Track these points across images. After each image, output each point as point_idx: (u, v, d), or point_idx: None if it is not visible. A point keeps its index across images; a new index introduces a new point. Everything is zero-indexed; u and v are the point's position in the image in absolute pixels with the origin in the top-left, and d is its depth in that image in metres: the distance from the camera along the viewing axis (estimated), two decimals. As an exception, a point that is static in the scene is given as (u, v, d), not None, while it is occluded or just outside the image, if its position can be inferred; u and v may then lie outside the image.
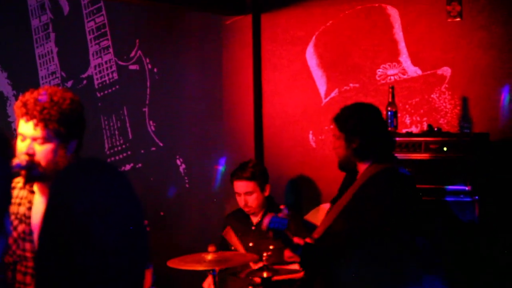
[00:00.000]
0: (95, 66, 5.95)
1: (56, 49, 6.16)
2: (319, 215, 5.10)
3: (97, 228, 1.56)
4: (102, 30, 5.89)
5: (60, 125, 2.51)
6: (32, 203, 2.67)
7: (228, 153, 5.37)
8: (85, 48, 5.99)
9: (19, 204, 2.68)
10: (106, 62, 5.91)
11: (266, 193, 4.67)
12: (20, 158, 2.49)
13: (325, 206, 5.08)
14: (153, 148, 5.71)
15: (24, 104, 2.51)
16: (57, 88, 2.58)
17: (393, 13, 4.76)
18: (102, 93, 5.91)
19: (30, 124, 2.50)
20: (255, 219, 4.70)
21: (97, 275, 1.53)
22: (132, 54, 5.76)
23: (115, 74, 5.88)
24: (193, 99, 5.55)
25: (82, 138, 2.63)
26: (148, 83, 5.72)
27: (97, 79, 5.94)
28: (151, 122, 5.72)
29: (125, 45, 5.80)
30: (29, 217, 2.65)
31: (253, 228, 4.68)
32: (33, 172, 2.52)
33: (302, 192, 5.17)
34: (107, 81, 5.90)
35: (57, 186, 1.82)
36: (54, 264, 1.56)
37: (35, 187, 2.67)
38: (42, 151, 2.51)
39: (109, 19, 5.87)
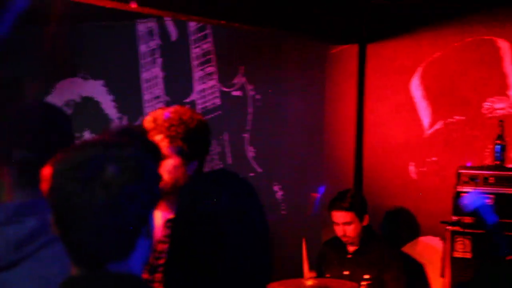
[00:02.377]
0: (198, 92, 6.08)
1: (162, 74, 6.32)
2: (417, 248, 5.01)
3: (228, 231, 1.60)
4: (208, 57, 6.02)
5: (184, 144, 2.58)
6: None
7: (327, 182, 5.35)
8: (189, 73, 6.12)
9: None
10: (209, 88, 6.02)
11: (364, 223, 4.62)
12: None
13: (424, 239, 4.99)
14: (252, 174, 5.76)
15: (154, 119, 2.61)
16: (187, 109, 2.68)
17: (504, 46, 4.68)
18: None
19: (157, 138, 2.58)
20: (351, 248, 4.66)
21: (227, 275, 1.56)
22: (236, 80, 5.85)
23: (217, 100, 5.98)
24: (294, 126, 5.57)
25: (204, 159, 2.69)
26: (249, 109, 5.79)
27: (199, 104, 6.06)
28: (250, 148, 5.78)
29: (229, 72, 5.90)
30: None
31: (349, 256, 4.64)
32: None
33: (401, 223, 5.10)
34: (210, 106, 6.00)
35: (185, 194, 1.87)
36: (183, 272, 1.61)
37: None
38: (164, 165, 2.58)
39: (215, 46, 5.99)
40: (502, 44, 4.68)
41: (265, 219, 1.71)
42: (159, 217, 2.68)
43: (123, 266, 1.54)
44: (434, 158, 4.95)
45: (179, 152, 2.60)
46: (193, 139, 2.60)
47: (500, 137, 4.30)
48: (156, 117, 2.62)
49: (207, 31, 6.01)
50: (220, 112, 5.98)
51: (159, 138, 2.57)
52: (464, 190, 4.21)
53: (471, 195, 3.32)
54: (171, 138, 2.58)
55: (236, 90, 5.87)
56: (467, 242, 4.15)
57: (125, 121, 6.31)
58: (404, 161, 5.08)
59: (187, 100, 6.13)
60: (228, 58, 5.92)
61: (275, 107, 5.69)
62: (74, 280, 1.54)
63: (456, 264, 4.19)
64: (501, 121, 4.36)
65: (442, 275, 4.30)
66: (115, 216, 1.49)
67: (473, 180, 4.19)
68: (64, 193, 1.47)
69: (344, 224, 4.57)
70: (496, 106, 4.69)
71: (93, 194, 1.46)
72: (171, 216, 2.54)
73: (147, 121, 2.62)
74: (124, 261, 1.54)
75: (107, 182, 1.47)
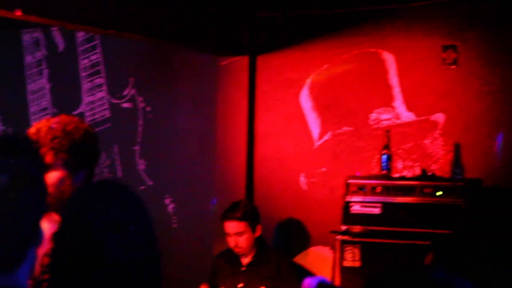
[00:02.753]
0: (87, 103, 5.94)
1: (49, 85, 6.15)
2: (308, 258, 5.06)
3: (111, 244, 1.58)
4: (96, 68, 5.90)
5: (70, 155, 2.50)
6: None
7: (219, 194, 5.34)
8: (78, 84, 5.98)
9: None
10: (98, 100, 5.90)
11: (257, 234, 4.61)
12: None
13: (314, 249, 5.05)
14: (142, 187, 5.67)
15: (37, 131, 2.51)
16: (72, 119, 2.59)
17: (389, 59, 4.81)
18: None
19: (41, 151, 2.49)
20: (245, 260, 4.64)
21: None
22: (125, 92, 5.76)
23: (107, 112, 5.86)
24: (185, 138, 5.54)
25: (92, 170, 2.62)
26: (140, 122, 5.71)
27: (88, 116, 5.92)
28: (141, 161, 5.70)
29: (119, 83, 5.80)
30: None
31: (242, 269, 4.63)
32: None
33: (292, 234, 5.14)
34: (99, 119, 5.89)
35: (71, 205, 1.82)
36: (66, 282, 1.57)
37: None
38: (49, 178, 2.49)
39: (104, 57, 5.88)
40: (387, 56, 4.82)
41: (154, 233, 1.69)
42: (46, 229, 2.58)
43: (10, 278, 1.47)
44: (323, 169, 5.03)
45: (65, 164, 2.51)
46: (78, 150, 2.52)
47: (386, 147, 4.42)
48: (39, 129, 2.53)
49: (96, 42, 5.89)
50: (109, 124, 5.87)
51: (43, 151, 2.48)
52: (353, 199, 4.30)
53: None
54: (55, 150, 2.50)
55: (126, 102, 5.77)
56: (356, 251, 4.23)
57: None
58: (295, 172, 5.13)
59: (76, 112, 5.98)
60: (117, 69, 5.82)
61: (166, 119, 5.63)
62: None
63: (346, 273, 4.26)
64: (387, 131, 4.48)
65: (333, 284, 4.36)
66: (7, 226, 1.44)
67: (361, 189, 4.29)
68: None
69: (236, 235, 4.55)
70: (382, 117, 4.82)
71: None
72: (56, 229, 2.45)
73: (31, 133, 2.53)
74: (12, 273, 1.47)
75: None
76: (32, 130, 2.54)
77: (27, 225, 1.50)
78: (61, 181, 2.52)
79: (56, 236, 1.77)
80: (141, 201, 1.83)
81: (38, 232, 1.54)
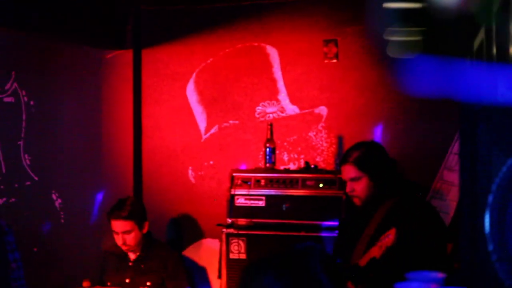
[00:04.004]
0: (-33, 97, 5.73)
1: None
2: (198, 251, 5.09)
3: None
4: (-24, 60, 5.69)
5: None
6: None
7: (106, 189, 5.28)
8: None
9: None
10: (-21, 94, 5.69)
11: (144, 231, 4.59)
12: None
13: (204, 242, 5.09)
14: (28, 182, 5.53)
15: None
16: None
17: (272, 53, 4.88)
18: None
19: None
20: (132, 255, 4.63)
21: None
22: (8, 86, 5.58)
23: (-12, 106, 5.67)
24: (71, 133, 5.44)
25: None
26: (24, 116, 5.55)
27: (-31, 110, 5.71)
28: (26, 156, 5.55)
29: (1, 77, 5.62)
30: None
31: (130, 264, 4.61)
32: None
33: (182, 227, 5.16)
34: (-20, 113, 5.69)
35: None
36: None
37: None
38: None
39: (-17, 50, 5.68)
40: (271, 50, 4.89)
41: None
42: None
43: None
44: (211, 162, 5.06)
45: None
46: None
47: (270, 140, 4.48)
48: None
49: (-26, 34, 5.68)
50: (-9, 119, 5.68)
51: None
52: (238, 192, 4.35)
53: None
54: None
55: (8, 96, 5.60)
56: (242, 243, 4.29)
57: None
58: (183, 165, 5.14)
59: (-45, 107, 5.76)
60: (-2, 62, 5.64)
61: (51, 113, 5.51)
62: None
63: (232, 265, 4.32)
64: (270, 124, 4.54)
65: (219, 277, 4.41)
66: None
67: (245, 182, 4.34)
68: None
69: (124, 233, 4.51)
70: (268, 110, 4.89)
71: None
72: None
73: None
74: None
75: None
76: None
77: None
78: None
79: None
80: None
81: None
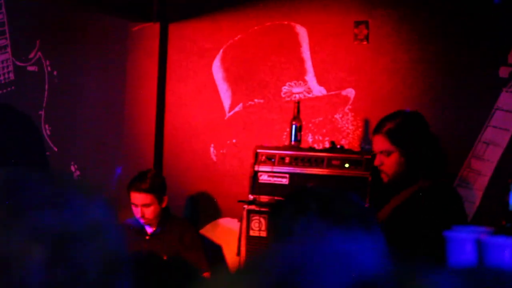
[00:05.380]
0: (-10, 65, 5.71)
1: (-51, 44, 5.88)
2: (215, 230, 5.04)
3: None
4: (1, 29, 5.67)
5: None
6: None
7: (126, 163, 5.23)
8: (-20, 45, 5.74)
9: None
10: (2, 62, 5.67)
11: (163, 205, 4.57)
12: None
13: (222, 221, 5.04)
14: (48, 153, 5.51)
15: None
16: None
17: (302, 32, 4.81)
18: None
19: None
20: (149, 229, 4.60)
21: None
22: (32, 55, 5.56)
23: (11, 75, 5.65)
24: (93, 105, 5.40)
25: None
26: (46, 86, 5.53)
27: (-9, 78, 5.70)
28: (46, 126, 5.53)
29: (25, 46, 5.60)
30: None
31: (147, 238, 4.59)
32: None
33: (200, 206, 5.10)
34: (2, 81, 5.67)
35: None
36: None
37: None
38: None
39: (8, 17, 5.66)
40: (300, 30, 4.82)
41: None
42: None
43: None
44: (233, 140, 5.00)
45: None
46: None
47: (296, 117, 4.41)
48: None
49: (1, 1, 5.66)
50: (13, 87, 5.66)
51: None
52: (261, 169, 4.29)
53: None
54: None
55: (31, 65, 5.58)
56: (263, 220, 4.23)
57: None
58: (205, 143, 5.09)
59: (-22, 74, 5.74)
60: (23, 31, 5.61)
61: (73, 84, 5.47)
62: None
63: (252, 243, 4.26)
64: (297, 102, 4.47)
65: (238, 254, 4.35)
66: None
67: (269, 159, 4.28)
68: None
69: (143, 206, 4.48)
70: (294, 90, 4.82)
71: None
72: None
73: None
74: None
75: None
76: None
77: None
78: None
79: None
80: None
81: None
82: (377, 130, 3.46)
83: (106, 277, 0.79)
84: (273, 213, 1.86)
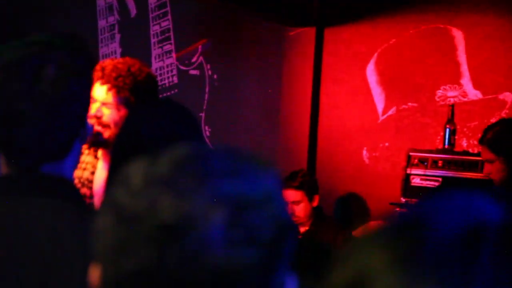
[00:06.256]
0: (156, 69, 6.06)
1: (120, 49, 6.30)
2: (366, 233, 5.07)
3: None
4: (166, 35, 6.01)
5: (131, 95, 2.57)
6: (95, 168, 2.74)
7: (281, 163, 5.39)
8: (148, 50, 6.10)
9: (84, 169, 2.75)
10: (167, 66, 6.01)
11: (314, 204, 4.64)
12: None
13: (374, 225, 5.06)
14: (206, 153, 5.76)
15: (102, 69, 2.58)
16: (136, 61, 2.65)
17: (458, 35, 4.77)
18: (160, 96, 6.00)
19: (104, 88, 2.58)
20: (302, 229, 4.69)
21: None
22: (194, 59, 5.85)
23: (175, 78, 5.97)
24: (250, 107, 5.60)
25: None
26: (207, 89, 5.80)
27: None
28: (206, 128, 5.79)
29: (188, 51, 5.89)
30: (91, 182, 2.73)
31: (299, 237, 4.68)
32: (99, 137, 2.59)
33: (352, 208, 5.16)
34: (167, 84, 6.00)
35: (127, 122, 1.88)
36: None
37: (99, 153, 2.75)
38: (109, 115, 2.58)
39: (174, 24, 5.98)
40: (456, 33, 4.77)
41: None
42: (103, 168, 2.68)
43: (57, 168, 1.51)
44: (386, 144, 5.03)
45: (126, 103, 2.59)
46: (140, 91, 2.59)
47: (450, 121, 4.38)
48: (104, 67, 2.60)
49: (167, 9, 6.00)
50: (176, 90, 5.98)
51: (106, 88, 2.56)
52: (414, 172, 4.28)
53: None
54: (118, 88, 2.56)
55: (193, 69, 5.87)
56: (414, 223, 4.22)
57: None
58: (358, 146, 5.14)
59: (144, 78, 6.11)
60: (186, 36, 5.92)
61: (232, 87, 5.71)
62: (6, 181, 1.50)
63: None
64: (452, 105, 4.43)
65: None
66: (59, 115, 1.46)
67: (422, 162, 4.27)
68: (7, 92, 1.43)
69: (293, 203, 4.58)
70: (449, 94, 4.79)
71: (37, 92, 1.43)
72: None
73: (96, 70, 2.60)
74: (59, 164, 1.51)
75: (50, 80, 1.43)
76: (97, 67, 2.61)
77: (76, 115, 1.51)
78: (122, 119, 2.59)
79: (113, 153, 1.85)
80: (196, 121, 1.90)
81: (85, 124, 1.55)
82: (480, 140, 3.48)
83: (277, 239, 0.91)
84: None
